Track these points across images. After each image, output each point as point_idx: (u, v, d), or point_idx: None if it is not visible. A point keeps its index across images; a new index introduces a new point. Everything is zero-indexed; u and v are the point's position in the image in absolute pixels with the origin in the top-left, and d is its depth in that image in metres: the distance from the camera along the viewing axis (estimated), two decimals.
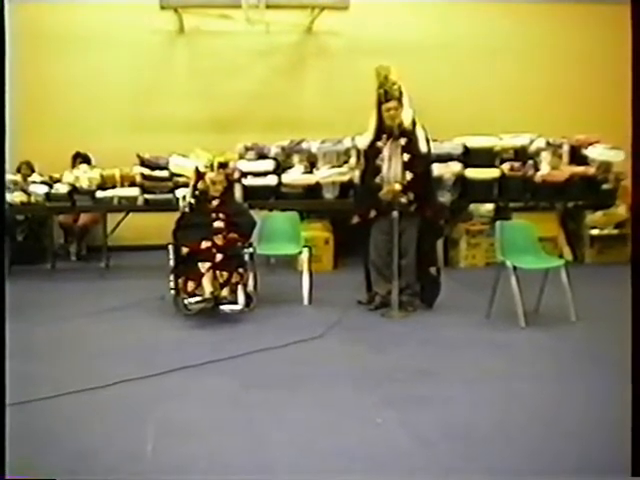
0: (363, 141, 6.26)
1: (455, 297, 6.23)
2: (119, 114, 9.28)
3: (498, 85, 9.61)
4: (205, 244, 5.84)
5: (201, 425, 3.58)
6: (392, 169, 5.78)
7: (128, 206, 8.00)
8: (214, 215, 6.08)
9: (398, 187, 5.70)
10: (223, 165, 7.07)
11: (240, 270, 5.86)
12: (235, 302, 5.72)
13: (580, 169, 8.27)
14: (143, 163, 8.02)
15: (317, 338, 5.15)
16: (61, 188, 7.84)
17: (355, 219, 6.08)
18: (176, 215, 6.31)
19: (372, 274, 6.08)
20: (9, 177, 7.64)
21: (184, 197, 6.73)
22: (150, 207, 7.87)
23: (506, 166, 8.18)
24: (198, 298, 5.62)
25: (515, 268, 5.43)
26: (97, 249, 8.30)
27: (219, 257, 5.79)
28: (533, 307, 5.67)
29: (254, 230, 6.32)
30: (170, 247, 5.97)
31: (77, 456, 3.20)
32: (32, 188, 7.86)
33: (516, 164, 8.20)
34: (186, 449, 3.29)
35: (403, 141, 5.78)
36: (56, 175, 8.02)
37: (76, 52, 9.16)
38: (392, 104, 5.74)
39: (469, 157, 8.17)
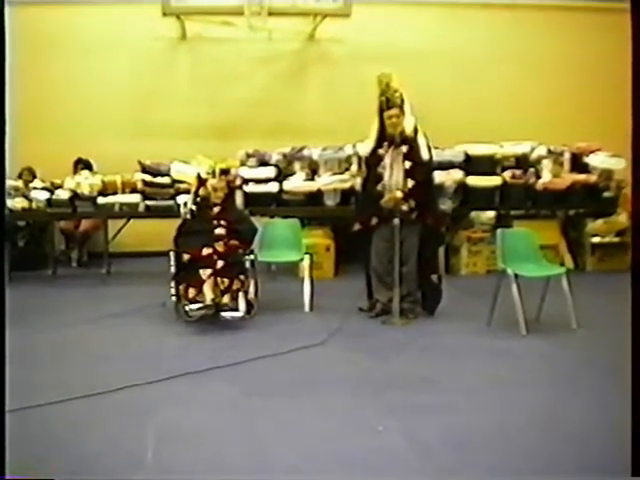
0: (365, 148, 6.27)
1: (456, 305, 6.22)
2: (121, 120, 9.29)
3: (499, 93, 9.62)
4: (206, 251, 5.84)
5: (202, 431, 3.57)
6: (394, 177, 5.78)
7: (129, 212, 8.01)
8: (215, 222, 6.09)
9: (399, 195, 5.70)
10: (224, 172, 7.09)
11: (241, 277, 5.86)
12: (236, 309, 5.72)
13: (581, 177, 8.28)
14: (144, 169, 8.03)
15: (318, 345, 5.14)
16: (62, 194, 7.85)
17: (356, 226, 6.08)
18: (177, 222, 6.33)
19: (373, 281, 6.08)
20: (11, 183, 7.66)
21: (185, 204, 6.75)
22: (151, 213, 7.89)
23: (507, 174, 8.19)
24: (199, 305, 5.62)
25: (516, 276, 5.43)
26: (98, 255, 8.30)
27: (220, 264, 5.79)
28: (534, 315, 5.66)
29: (255, 237, 6.32)
30: (171, 254, 5.96)
31: (79, 460, 3.20)
32: (33, 194, 7.86)
33: (517, 172, 8.21)
34: (187, 455, 3.29)
35: (405, 149, 5.78)
36: (57, 181, 8.03)
37: (78, 57, 9.18)
38: (394, 111, 5.74)
39: (470, 164, 8.17)
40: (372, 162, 5.96)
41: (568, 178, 8.26)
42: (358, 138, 7.06)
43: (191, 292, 5.72)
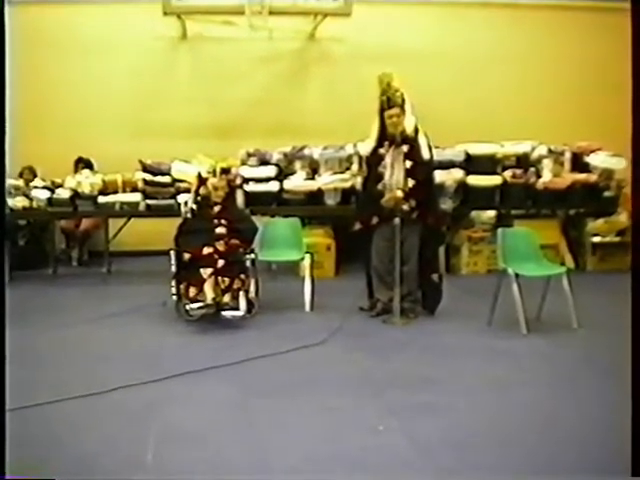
0: (365, 148, 6.27)
1: (457, 304, 6.21)
2: (121, 119, 9.29)
3: (500, 92, 9.61)
4: (207, 250, 5.84)
5: (202, 430, 3.58)
6: (394, 176, 5.78)
7: (130, 211, 8.02)
8: (216, 221, 6.09)
9: (400, 194, 5.70)
10: (225, 171, 7.07)
11: (242, 276, 5.86)
12: (237, 308, 5.72)
13: (582, 176, 8.28)
14: (145, 169, 8.03)
15: (319, 344, 5.14)
16: (63, 193, 7.86)
17: (357, 226, 6.08)
18: (178, 221, 6.33)
19: (374, 281, 6.08)
20: (11, 182, 7.67)
21: (186, 203, 6.74)
22: (152, 213, 7.90)
23: (508, 173, 8.19)
24: (200, 304, 5.62)
25: (517, 275, 5.43)
26: (99, 254, 8.31)
27: (221, 263, 5.80)
28: (535, 314, 5.66)
29: (256, 236, 6.32)
30: (172, 253, 5.96)
31: (79, 461, 3.20)
32: (34, 193, 7.87)
33: (518, 171, 8.21)
34: (187, 454, 3.29)
35: (405, 148, 5.78)
36: (58, 180, 8.04)
37: (79, 57, 9.17)
38: (394, 111, 5.74)
39: (471, 164, 8.17)
40: (373, 161, 5.96)
41: (568, 177, 8.26)
42: (359, 137, 7.06)
43: (192, 291, 5.72)
